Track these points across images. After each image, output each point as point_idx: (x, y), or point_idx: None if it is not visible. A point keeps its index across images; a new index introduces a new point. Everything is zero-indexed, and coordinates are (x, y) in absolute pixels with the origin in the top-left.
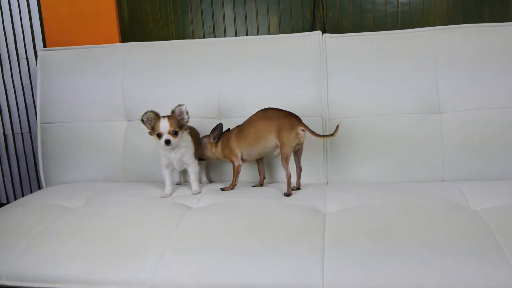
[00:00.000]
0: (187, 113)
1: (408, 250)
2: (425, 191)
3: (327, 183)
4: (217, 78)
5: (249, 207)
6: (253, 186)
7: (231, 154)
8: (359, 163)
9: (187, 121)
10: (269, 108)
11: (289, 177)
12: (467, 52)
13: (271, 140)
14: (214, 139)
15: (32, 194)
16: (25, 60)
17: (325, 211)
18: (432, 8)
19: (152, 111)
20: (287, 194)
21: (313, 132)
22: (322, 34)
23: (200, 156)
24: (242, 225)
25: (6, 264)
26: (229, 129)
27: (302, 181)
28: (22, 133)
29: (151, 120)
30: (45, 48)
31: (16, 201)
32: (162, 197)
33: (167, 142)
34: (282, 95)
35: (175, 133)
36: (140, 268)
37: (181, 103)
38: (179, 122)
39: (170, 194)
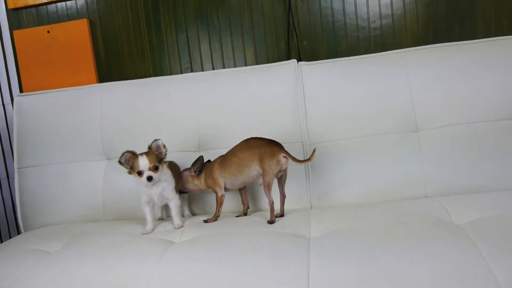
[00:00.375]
0: (164, 146)
1: (396, 272)
2: (409, 209)
3: (311, 208)
4: (196, 111)
5: (232, 238)
6: (236, 216)
7: (215, 184)
8: (342, 186)
9: (166, 155)
10: (251, 138)
11: (271, 204)
12: (440, 71)
13: (254, 169)
14: (195, 172)
15: (9, 240)
16: (1, 106)
17: (309, 236)
18: (403, 30)
19: (128, 151)
20: (271, 222)
21: (294, 158)
22: (298, 62)
23: (181, 189)
24: (225, 257)
25: None
26: (209, 160)
27: (286, 207)
28: None
29: (129, 160)
30: (21, 94)
31: None
32: (144, 233)
33: (149, 178)
34: (262, 125)
35: (155, 168)
36: None
37: (157, 138)
38: (157, 157)
39: (152, 230)
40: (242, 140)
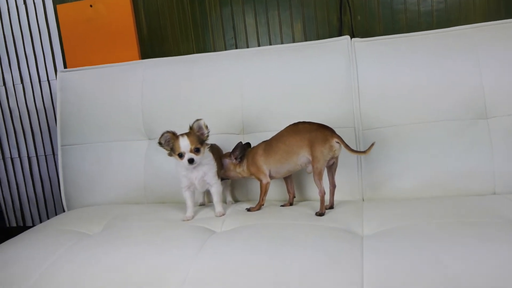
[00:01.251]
0: (206, 127)
1: (462, 280)
2: (475, 207)
3: (363, 200)
4: (239, 91)
5: (277, 230)
6: (281, 206)
7: (258, 172)
8: (398, 177)
9: (208, 136)
10: (299, 122)
11: (323, 194)
12: None
13: (303, 156)
14: (236, 159)
15: (51, 219)
16: (47, 82)
17: (362, 234)
18: (471, 4)
19: (168, 131)
20: (320, 214)
21: (347, 146)
22: (351, 39)
23: (223, 177)
24: (268, 253)
25: None
26: (249, 144)
27: (335, 198)
28: (46, 156)
29: (169, 141)
30: (64, 70)
31: (35, 226)
32: (184, 220)
33: (191, 161)
34: (310, 107)
35: (197, 150)
36: None
37: (199, 118)
38: (199, 138)
39: (193, 217)
40: (288, 124)
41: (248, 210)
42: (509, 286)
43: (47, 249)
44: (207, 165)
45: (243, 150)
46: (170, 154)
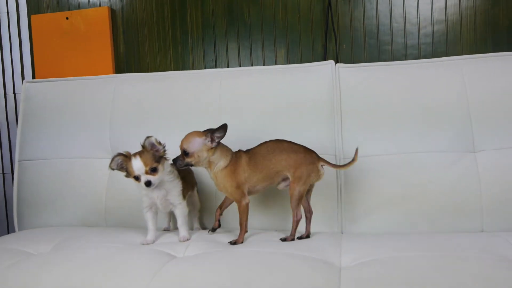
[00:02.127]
0: (159, 143)
1: None
2: (462, 242)
3: (342, 233)
4: (217, 112)
5: (246, 257)
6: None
7: (238, 190)
8: (380, 210)
9: (164, 151)
10: (282, 140)
11: (299, 219)
12: (502, 83)
13: (284, 176)
14: (213, 141)
15: None
16: (12, 95)
17: (340, 265)
18: (458, 38)
19: (120, 154)
20: (292, 239)
21: (333, 165)
22: (335, 63)
23: (188, 163)
24: (234, 281)
25: None
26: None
27: (312, 229)
28: (3, 174)
29: (122, 164)
30: (30, 80)
31: None
32: (144, 244)
33: (148, 183)
34: (291, 133)
35: (153, 170)
36: None
37: (149, 135)
38: (154, 156)
39: (153, 241)
40: (269, 140)
41: (233, 243)
42: None
43: None
44: (170, 183)
45: (224, 134)
46: (127, 176)
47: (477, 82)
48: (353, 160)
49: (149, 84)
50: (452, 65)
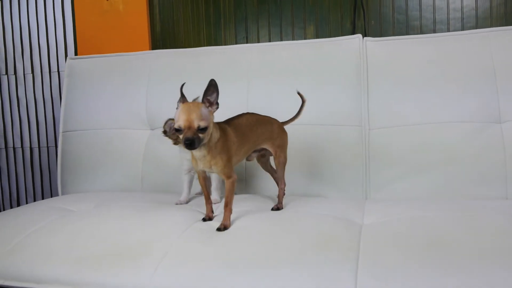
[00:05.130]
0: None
1: (468, 268)
2: (485, 205)
3: (366, 199)
4: (246, 85)
5: (274, 216)
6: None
7: (229, 164)
8: (404, 178)
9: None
10: (252, 113)
11: (284, 187)
12: None
13: (259, 147)
14: (212, 105)
15: (44, 200)
16: (57, 73)
17: (361, 223)
18: (487, 13)
19: (172, 119)
20: (282, 206)
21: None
22: (363, 37)
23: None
24: (260, 234)
25: None
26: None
27: (336, 195)
28: (48, 147)
29: (173, 127)
30: (72, 57)
31: (26, 205)
32: (177, 203)
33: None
34: (318, 104)
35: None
36: (135, 272)
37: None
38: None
39: (187, 202)
40: (241, 113)
41: (223, 229)
42: None
43: (30, 221)
44: None
45: (218, 92)
46: (175, 143)
47: (504, 54)
48: (298, 114)
49: (183, 59)
50: (479, 38)
